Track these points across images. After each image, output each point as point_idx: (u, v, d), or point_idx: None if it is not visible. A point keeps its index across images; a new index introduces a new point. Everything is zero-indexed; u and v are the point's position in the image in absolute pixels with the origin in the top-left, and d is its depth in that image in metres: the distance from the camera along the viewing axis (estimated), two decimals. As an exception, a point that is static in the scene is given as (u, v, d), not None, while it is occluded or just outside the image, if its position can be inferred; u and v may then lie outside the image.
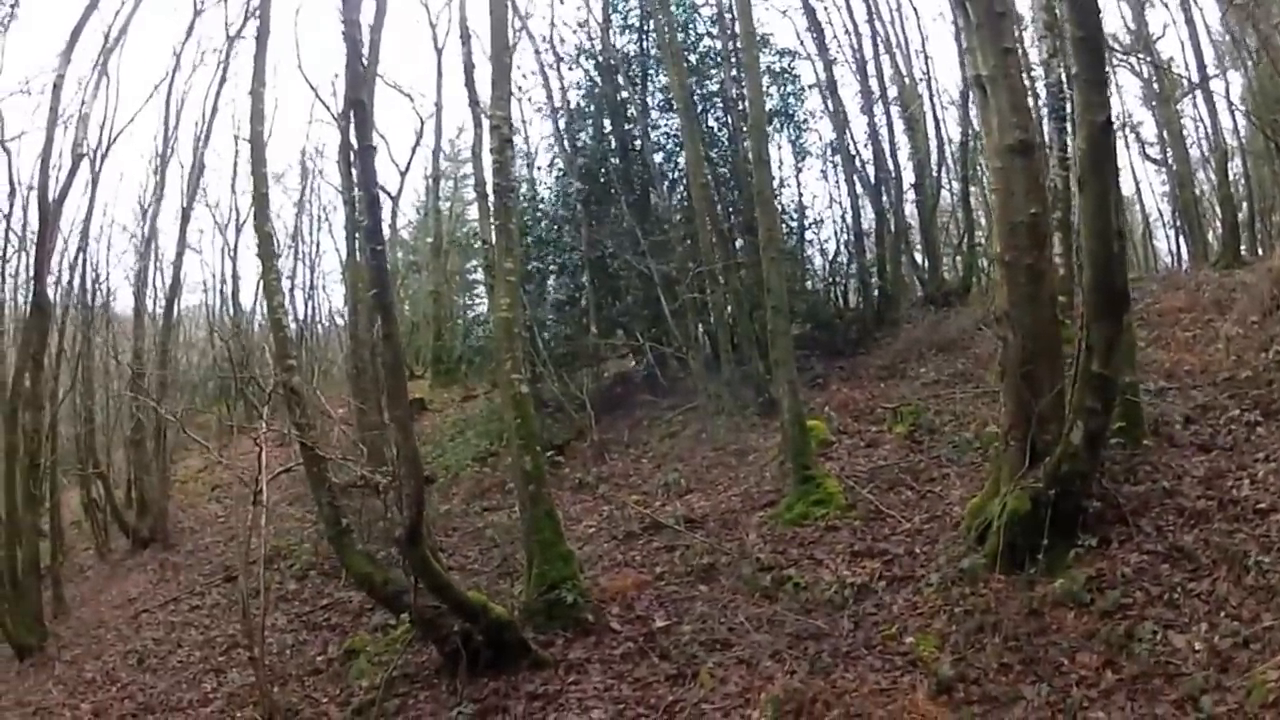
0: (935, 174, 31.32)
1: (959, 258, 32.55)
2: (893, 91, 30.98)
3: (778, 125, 27.79)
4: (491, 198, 15.49)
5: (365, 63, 12.95)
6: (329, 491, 14.27)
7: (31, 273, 23.64)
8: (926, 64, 34.39)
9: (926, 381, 20.57)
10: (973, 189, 32.42)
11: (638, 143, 27.89)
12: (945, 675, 9.65)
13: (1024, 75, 24.90)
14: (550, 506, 14.35)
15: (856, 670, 10.43)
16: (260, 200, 16.09)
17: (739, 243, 25.40)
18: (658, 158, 28.11)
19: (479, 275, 42.98)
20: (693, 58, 27.13)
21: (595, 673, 12.13)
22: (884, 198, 28.74)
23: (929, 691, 9.55)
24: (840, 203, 29.02)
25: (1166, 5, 32.57)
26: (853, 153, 29.06)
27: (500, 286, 14.66)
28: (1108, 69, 11.27)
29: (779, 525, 15.21)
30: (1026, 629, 10.00)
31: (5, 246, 28.24)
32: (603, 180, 27.68)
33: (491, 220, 15.66)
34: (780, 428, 16.98)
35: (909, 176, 30.65)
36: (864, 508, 14.85)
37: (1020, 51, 23.79)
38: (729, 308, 24.16)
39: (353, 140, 27.10)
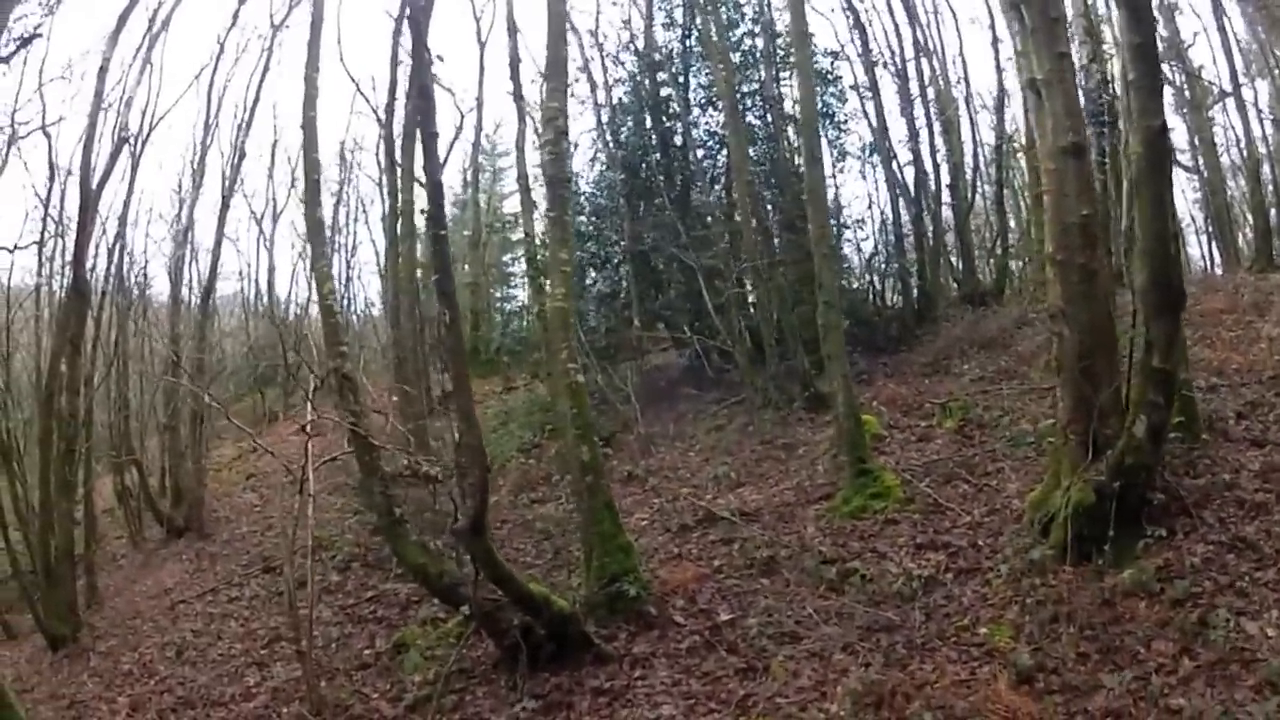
0: (970, 177, 30.69)
1: (991, 260, 31.96)
2: (930, 94, 30.22)
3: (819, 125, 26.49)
4: (545, 190, 14.70)
5: (428, 50, 12.01)
6: (381, 481, 13.60)
7: (70, 257, 22.66)
8: (963, 68, 33.53)
9: (972, 378, 20.27)
10: (1006, 192, 32.05)
11: (678, 139, 27.72)
12: (1025, 665, 9.37)
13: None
14: (608, 498, 13.81)
15: (933, 662, 10.08)
16: (312, 186, 15.48)
17: (777, 240, 25.25)
18: (699, 154, 27.63)
19: (516, 268, 43.44)
20: (735, 56, 26.75)
21: (661, 667, 11.58)
22: (922, 199, 28.32)
23: (1010, 681, 9.26)
24: (878, 203, 28.27)
25: (1198, 14, 31.80)
26: (892, 154, 28.70)
27: (555, 277, 14.20)
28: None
29: (836, 518, 14.74)
30: (1100, 619, 9.81)
31: (43, 232, 27.21)
32: (644, 175, 27.38)
33: (546, 212, 14.86)
34: (834, 421, 16.59)
35: (944, 179, 29.93)
36: (922, 501, 14.45)
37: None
38: (772, 303, 23.43)
39: (396, 132, 27.05)
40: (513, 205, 44.85)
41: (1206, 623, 9.29)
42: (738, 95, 26.09)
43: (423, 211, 21.67)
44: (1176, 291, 10.48)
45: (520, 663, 12.00)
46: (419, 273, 27.23)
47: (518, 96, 24.97)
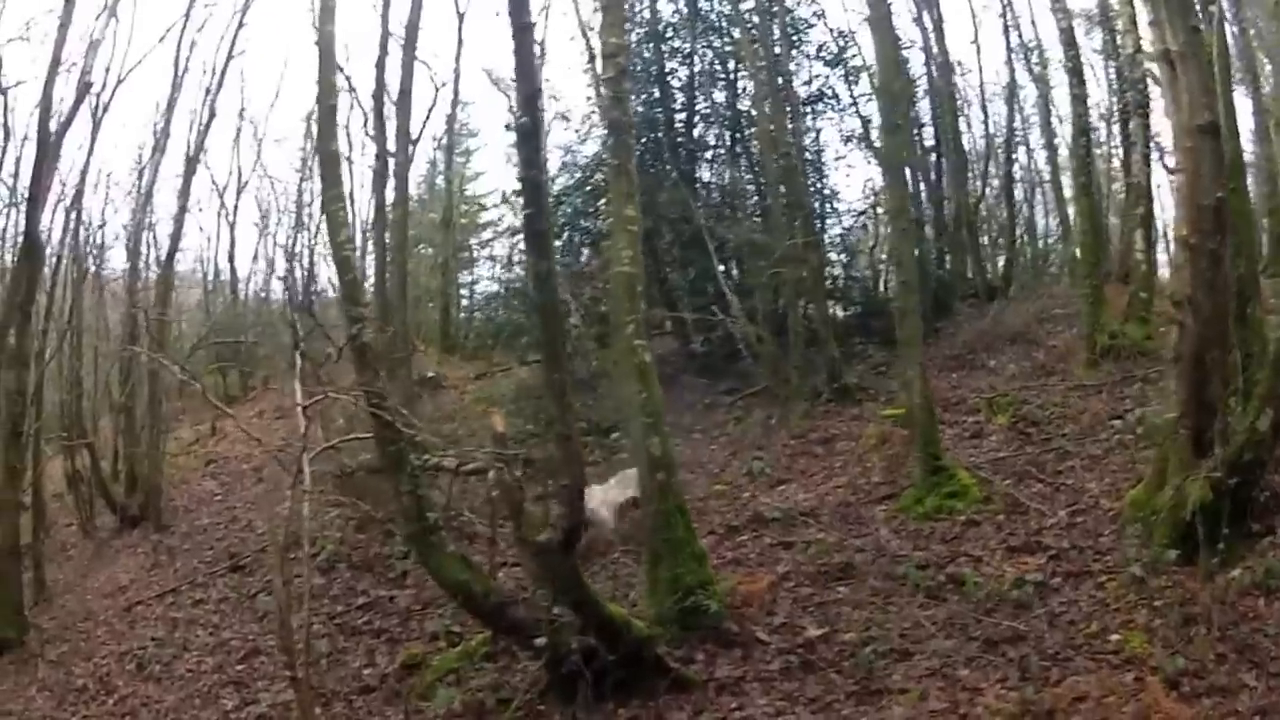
0: (984, 167, 29.52)
1: (997, 253, 30.34)
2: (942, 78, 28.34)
3: (826, 107, 26.40)
4: (608, 136, 13.06)
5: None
6: (411, 477, 11.06)
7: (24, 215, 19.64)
8: (978, 56, 32.19)
9: (1008, 374, 19.01)
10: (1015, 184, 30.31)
11: (682, 115, 26.14)
12: (1171, 670, 8.60)
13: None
14: (681, 499, 11.76)
15: (1072, 673, 8.98)
16: (326, 114, 12.76)
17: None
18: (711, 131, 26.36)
19: (494, 251, 41.07)
20: (737, 32, 25.05)
21: (756, 693, 9.82)
22: (941, 186, 27.01)
23: (1162, 688, 8.42)
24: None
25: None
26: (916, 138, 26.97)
27: (620, 236, 11.91)
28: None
29: (911, 519, 13.32)
30: (1226, 619, 9.10)
31: None
32: (649, 150, 25.12)
33: (608, 161, 12.99)
34: (909, 414, 14.76)
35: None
36: (1001, 501, 13.15)
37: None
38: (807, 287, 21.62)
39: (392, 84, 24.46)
40: (480, 186, 43.38)
41: (1332, 618, 8.90)
42: (745, 72, 25.12)
43: (513, 119, 18.85)
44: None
45: (581, 692, 9.78)
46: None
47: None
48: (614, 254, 12.00)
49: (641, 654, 9.90)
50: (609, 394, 19.09)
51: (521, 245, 32.27)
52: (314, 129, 37.86)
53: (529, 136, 10.11)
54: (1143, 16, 18.84)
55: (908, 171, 25.03)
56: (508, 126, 28.10)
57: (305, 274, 36.16)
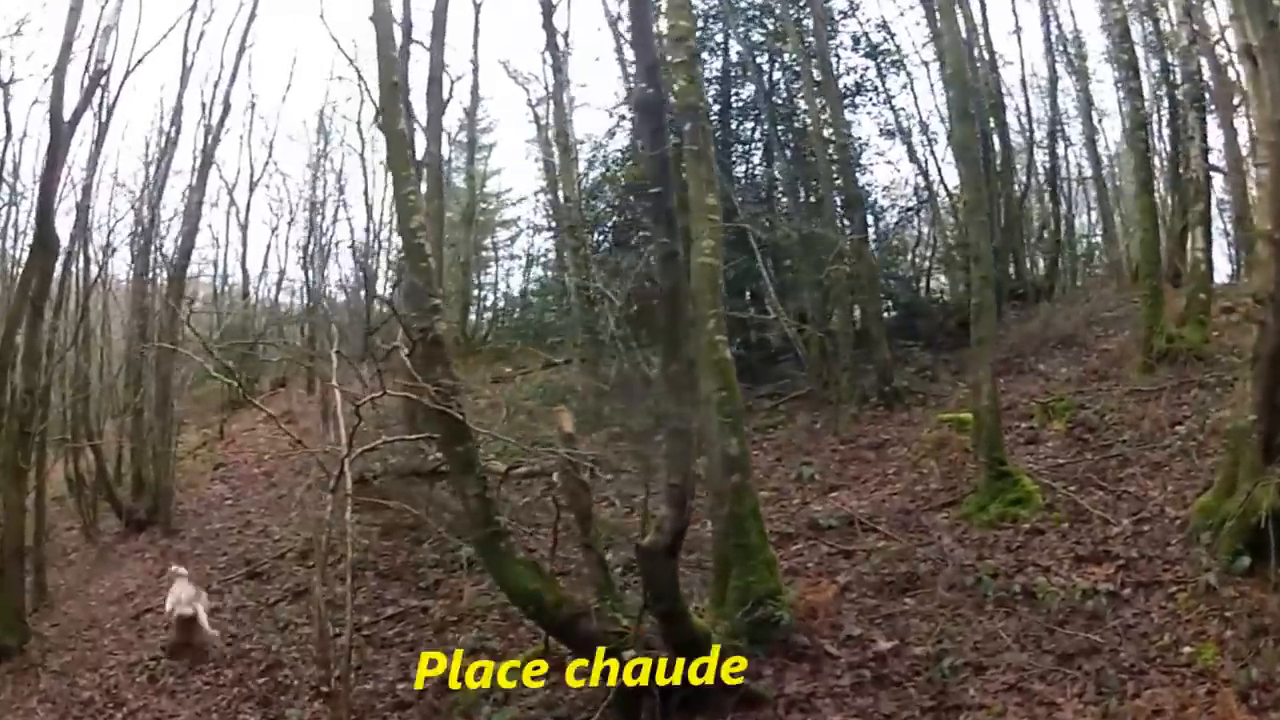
0: (1028, 160, 28.86)
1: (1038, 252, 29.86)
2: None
3: (865, 100, 26.22)
4: (684, 122, 12.17)
5: None
6: (479, 479, 10.58)
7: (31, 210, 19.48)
8: (1019, 47, 31.75)
9: (1061, 378, 18.60)
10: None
11: (717, 108, 25.50)
12: (1243, 683, 8.56)
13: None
14: (756, 503, 11.56)
15: (1147, 686, 8.97)
16: (389, 92, 12.50)
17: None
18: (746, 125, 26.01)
19: (517, 248, 41.19)
20: (769, 22, 25.18)
21: (829, 710, 9.74)
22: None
23: (1234, 701, 8.37)
24: (938, 184, 25.83)
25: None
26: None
27: (700, 226, 11.64)
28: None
29: (974, 527, 13.20)
30: None
31: None
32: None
33: (686, 147, 12.06)
34: (976, 417, 14.63)
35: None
36: (1064, 508, 12.97)
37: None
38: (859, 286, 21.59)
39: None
40: (497, 184, 43.21)
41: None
42: (777, 65, 25.21)
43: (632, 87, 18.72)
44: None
45: (645, 709, 9.60)
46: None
47: (551, 46, 23.76)
48: (694, 245, 11.76)
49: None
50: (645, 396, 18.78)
51: (549, 243, 32.34)
52: (325, 125, 38.31)
53: (653, 110, 9.88)
54: (1218, 11, 18.72)
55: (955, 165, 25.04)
56: (529, 115, 27.99)
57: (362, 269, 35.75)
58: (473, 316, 38.32)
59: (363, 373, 12.79)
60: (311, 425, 23.30)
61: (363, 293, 30.08)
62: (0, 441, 18.08)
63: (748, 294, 23.56)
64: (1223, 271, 24.68)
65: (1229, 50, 19.21)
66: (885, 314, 23.01)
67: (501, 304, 40.40)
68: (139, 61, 24.49)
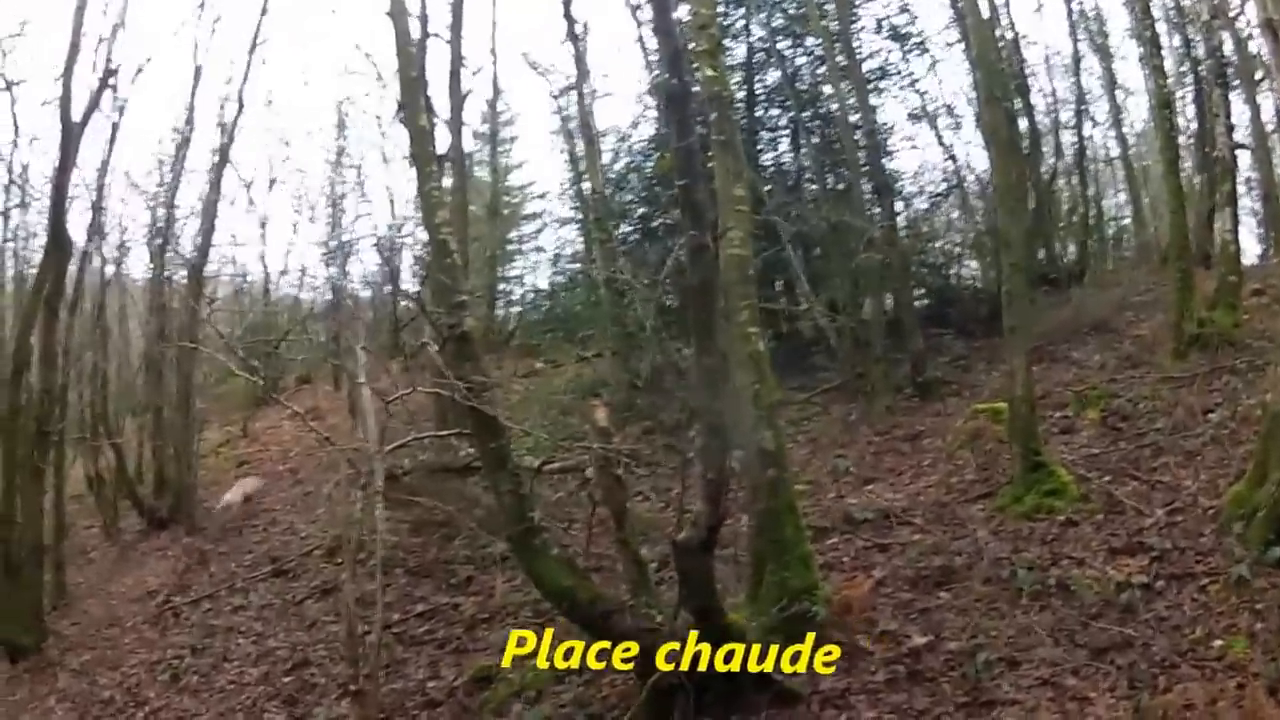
0: (1054, 142, 28.50)
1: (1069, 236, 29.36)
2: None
3: (890, 84, 25.80)
4: (710, 112, 12.17)
5: None
6: (512, 475, 10.60)
7: (48, 208, 19.79)
8: (1042, 25, 31.84)
9: (1094, 366, 18.61)
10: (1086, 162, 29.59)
11: (741, 94, 25.17)
12: (1273, 676, 8.56)
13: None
14: (792, 497, 11.62)
15: (1178, 681, 8.94)
16: (410, 86, 12.70)
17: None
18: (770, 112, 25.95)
19: (544, 241, 40.80)
20: (791, 7, 25.11)
21: (863, 706, 9.76)
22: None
23: (1263, 695, 8.35)
24: (966, 169, 25.69)
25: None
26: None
27: (730, 217, 11.56)
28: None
29: (1009, 519, 13.07)
30: None
31: (5, 199, 24.94)
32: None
33: (713, 138, 12.04)
34: (1011, 407, 14.33)
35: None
36: (1099, 499, 12.89)
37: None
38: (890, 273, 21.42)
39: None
40: (520, 177, 42.81)
41: None
42: (800, 52, 25.16)
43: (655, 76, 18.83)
44: None
45: (679, 707, 9.65)
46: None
47: (572, 36, 23.70)
48: (724, 236, 11.53)
49: (745, 665, 9.68)
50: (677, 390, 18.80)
51: (576, 236, 32.39)
52: (344, 119, 38.47)
53: (679, 101, 9.80)
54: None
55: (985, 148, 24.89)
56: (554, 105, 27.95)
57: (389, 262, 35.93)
58: (500, 311, 38.36)
59: (391, 369, 12.86)
60: (339, 422, 23.43)
61: (388, 289, 30.13)
62: (18, 441, 18.31)
63: (778, 284, 23.56)
64: (1252, 252, 24.50)
65: (1250, 24, 19.20)
66: (917, 302, 22.97)
67: (530, 298, 40.21)
68: (148, 61, 25.08)
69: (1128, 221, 31.20)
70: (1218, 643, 9.35)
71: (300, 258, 46.54)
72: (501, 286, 39.80)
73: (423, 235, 25.91)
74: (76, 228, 23.13)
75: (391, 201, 37.75)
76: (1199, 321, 17.13)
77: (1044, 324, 20.94)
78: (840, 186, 23.66)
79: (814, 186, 25.23)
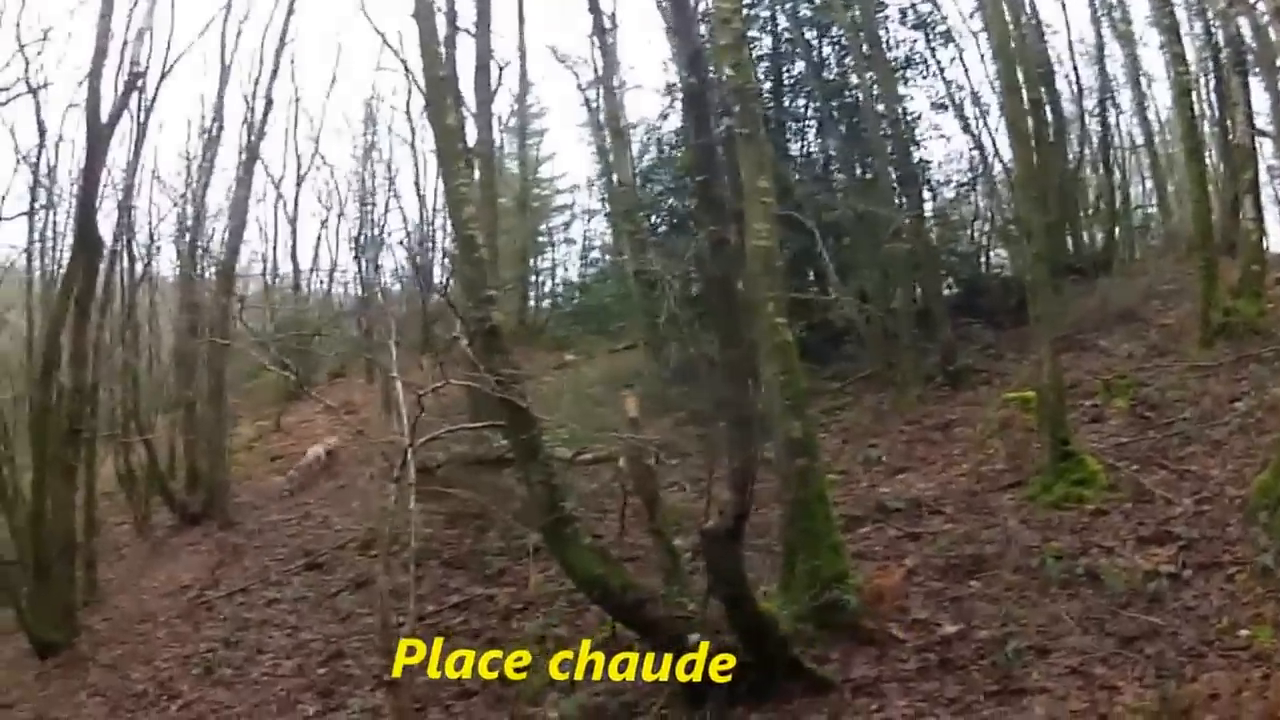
0: (1080, 131, 28.51)
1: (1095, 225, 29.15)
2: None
3: (915, 74, 25.68)
4: (735, 105, 12.03)
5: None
6: (543, 466, 10.72)
7: (75, 208, 20.17)
8: (1064, 12, 31.39)
9: (1122, 354, 18.48)
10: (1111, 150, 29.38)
11: (769, 85, 25.40)
12: None
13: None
14: (823, 487, 11.69)
15: (1205, 670, 8.96)
16: (435, 86, 12.72)
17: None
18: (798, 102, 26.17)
19: (574, 233, 41.55)
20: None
21: (895, 694, 9.78)
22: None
23: None
24: (992, 157, 25.54)
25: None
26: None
27: (754, 210, 11.59)
28: None
29: (1039, 508, 13.15)
30: None
31: (33, 201, 24.79)
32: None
33: (738, 130, 11.92)
34: (1040, 395, 14.64)
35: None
36: (1128, 488, 12.97)
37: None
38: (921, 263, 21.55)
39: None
40: (550, 169, 43.42)
41: None
42: (826, 40, 25.21)
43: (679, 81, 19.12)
44: None
45: (712, 696, 9.69)
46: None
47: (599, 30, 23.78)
48: (749, 228, 11.77)
49: (778, 654, 9.81)
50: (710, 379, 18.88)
51: (605, 228, 32.42)
52: (375, 114, 38.69)
53: (697, 99, 10.09)
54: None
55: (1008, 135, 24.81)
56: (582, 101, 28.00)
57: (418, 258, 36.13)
58: (531, 303, 38.56)
59: (423, 363, 12.95)
60: (372, 416, 23.56)
61: (418, 285, 30.31)
62: (49, 439, 18.46)
63: (810, 274, 23.61)
64: (1278, 239, 24.38)
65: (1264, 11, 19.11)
66: (946, 291, 23.15)
67: (560, 290, 40.65)
68: (175, 62, 25.21)
69: (1154, 210, 31.05)
70: (1244, 632, 9.37)
71: (330, 252, 46.56)
72: (534, 278, 40.07)
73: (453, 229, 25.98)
74: (105, 227, 23.28)
75: (421, 195, 37.98)
76: (1224, 310, 17.15)
77: (1071, 313, 20.98)
78: (868, 176, 23.66)
79: (841, 176, 25.30)
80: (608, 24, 25.07)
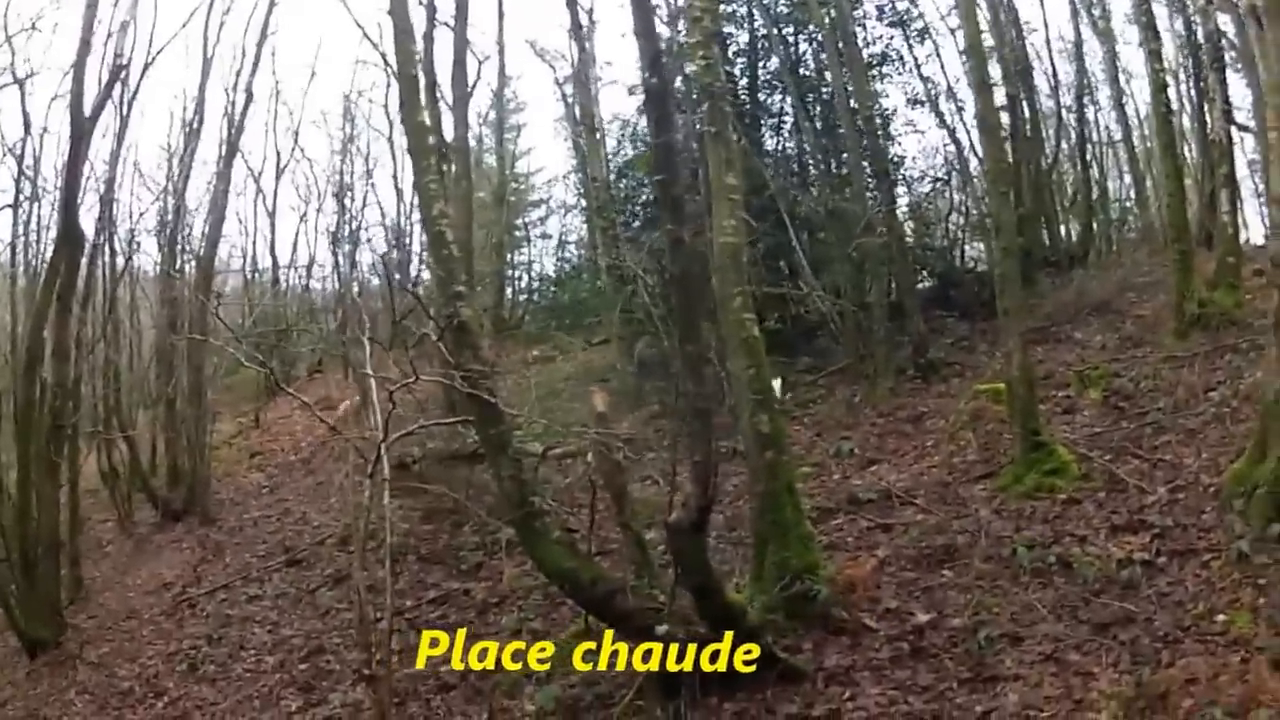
0: (1057, 127, 28.42)
1: (1072, 218, 29.53)
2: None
3: (891, 70, 25.80)
4: (702, 103, 12.37)
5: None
6: (513, 461, 10.81)
7: (58, 201, 20.11)
8: (1043, 9, 31.44)
9: (1096, 346, 18.71)
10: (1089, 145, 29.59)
11: (744, 81, 25.53)
12: (1275, 650, 8.48)
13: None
14: (791, 479, 11.71)
15: (1181, 655, 8.94)
16: (409, 84, 12.69)
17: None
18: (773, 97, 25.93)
19: (550, 228, 41.52)
20: None
21: (867, 683, 9.78)
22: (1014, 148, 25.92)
23: (1267, 669, 8.27)
24: (968, 152, 25.54)
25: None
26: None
27: (721, 206, 11.80)
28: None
29: (1011, 498, 13.12)
30: None
31: (18, 193, 24.71)
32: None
33: (705, 128, 12.21)
34: (1009, 387, 14.39)
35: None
36: (1100, 478, 12.99)
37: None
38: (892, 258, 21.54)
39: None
40: (527, 164, 43.20)
41: None
42: (802, 38, 25.23)
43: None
44: None
45: (684, 687, 9.66)
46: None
47: (576, 27, 23.99)
48: (716, 224, 11.88)
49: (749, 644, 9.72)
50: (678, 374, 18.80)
51: (582, 224, 32.40)
52: (353, 109, 38.58)
53: (658, 99, 10.00)
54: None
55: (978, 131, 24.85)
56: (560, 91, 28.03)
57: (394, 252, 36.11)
58: (509, 297, 38.52)
59: (393, 359, 12.97)
60: (348, 412, 23.57)
61: (388, 281, 30.34)
62: (32, 435, 18.40)
63: (784, 267, 23.40)
64: (1258, 232, 24.48)
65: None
66: (920, 285, 23.10)
67: (537, 284, 40.63)
68: (157, 55, 25.09)
69: (1131, 204, 31.11)
70: (1220, 617, 9.38)
71: (308, 246, 46.45)
72: (511, 272, 40.02)
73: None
74: (87, 221, 23.30)
75: (399, 190, 37.72)
76: (1200, 302, 17.19)
77: (1046, 305, 21.29)
78: (843, 171, 23.69)
79: (816, 171, 25.28)
80: (585, 20, 25.13)
